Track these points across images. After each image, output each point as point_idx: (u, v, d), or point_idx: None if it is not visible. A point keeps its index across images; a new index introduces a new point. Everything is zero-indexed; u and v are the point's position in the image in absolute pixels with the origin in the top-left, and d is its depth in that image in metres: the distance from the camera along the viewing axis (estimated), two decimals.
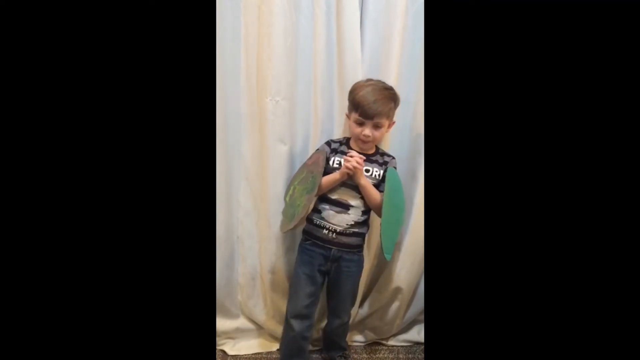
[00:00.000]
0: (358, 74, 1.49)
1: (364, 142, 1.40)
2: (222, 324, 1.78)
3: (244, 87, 1.54)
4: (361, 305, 1.80)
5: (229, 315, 1.80)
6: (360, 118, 1.36)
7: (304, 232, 1.51)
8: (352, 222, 1.42)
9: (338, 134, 1.57)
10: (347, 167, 1.34)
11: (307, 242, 1.48)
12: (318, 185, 1.38)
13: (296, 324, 1.47)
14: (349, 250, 1.45)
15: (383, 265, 1.78)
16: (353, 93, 1.38)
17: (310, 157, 1.46)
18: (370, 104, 1.33)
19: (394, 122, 1.46)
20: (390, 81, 1.52)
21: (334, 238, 1.43)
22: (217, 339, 1.77)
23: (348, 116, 1.44)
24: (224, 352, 1.76)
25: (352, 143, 1.46)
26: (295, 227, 1.47)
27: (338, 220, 1.42)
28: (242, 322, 1.81)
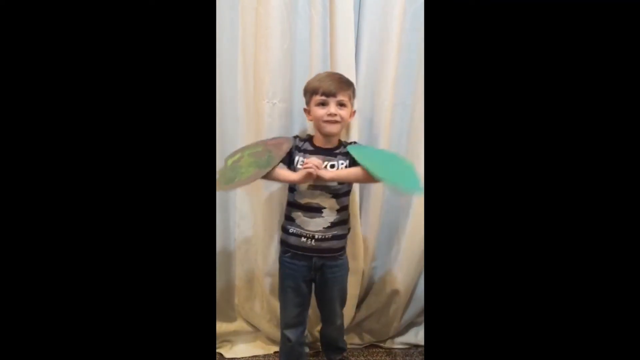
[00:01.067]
0: (352, 76, 1.49)
1: (331, 122, 1.32)
2: (219, 326, 1.78)
3: (241, 90, 1.54)
4: (358, 307, 1.80)
5: (226, 318, 1.80)
6: (323, 97, 1.31)
7: (282, 242, 1.46)
8: (329, 224, 1.37)
9: None
10: (307, 170, 1.26)
11: (287, 255, 1.42)
12: (273, 167, 1.29)
13: (291, 334, 1.47)
14: (330, 255, 1.41)
15: (380, 268, 1.79)
16: (309, 84, 1.37)
17: (274, 138, 1.40)
18: (330, 82, 1.31)
19: (354, 112, 1.42)
20: (388, 83, 1.53)
21: (313, 245, 1.38)
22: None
23: (307, 110, 1.39)
24: (221, 355, 1.76)
25: (315, 140, 1.41)
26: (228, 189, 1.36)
27: (313, 225, 1.37)
28: (239, 325, 1.81)
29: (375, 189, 1.64)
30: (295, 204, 1.39)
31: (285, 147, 1.35)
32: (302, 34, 1.50)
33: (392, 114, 1.59)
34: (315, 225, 1.37)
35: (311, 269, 1.41)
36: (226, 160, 1.36)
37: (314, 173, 1.26)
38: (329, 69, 1.50)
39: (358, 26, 1.51)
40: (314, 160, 1.28)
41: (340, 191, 1.38)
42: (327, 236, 1.38)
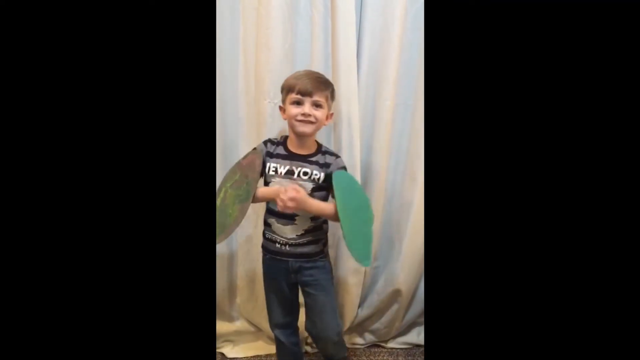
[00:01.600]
0: (353, 76, 1.49)
1: (304, 122, 1.26)
2: (221, 326, 1.78)
3: (242, 90, 1.54)
4: (360, 307, 1.80)
5: (228, 317, 1.81)
6: (298, 96, 1.25)
7: (262, 246, 1.44)
8: (302, 232, 1.34)
9: (334, 137, 1.57)
10: (284, 207, 1.21)
11: (267, 257, 1.42)
12: (253, 194, 1.28)
13: (280, 334, 1.47)
14: (307, 259, 1.37)
15: (382, 267, 1.78)
16: (286, 81, 1.30)
17: (246, 157, 1.33)
18: (307, 80, 1.26)
19: (332, 114, 1.36)
20: (389, 83, 1.53)
21: (288, 250, 1.35)
22: (216, 341, 1.77)
23: (282, 108, 1.33)
24: (222, 354, 1.76)
25: (289, 143, 1.34)
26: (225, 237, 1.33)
27: (287, 232, 1.34)
28: (240, 324, 1.82)
29: (377, 188, 1.64)
30: (270, 210, 1.37)
31: (258, 163, 1.30)
32: (304, 33, 1.50)
33: (393, 114, 1.58)
34: (290, 232, 1.34)
35: (289, 271, 1.38)
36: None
37: (293, 207, 1.21)
38: (330, 69, 1.50)
39: (359, 26, 1.51)
40: (291, 192, 1.21)
41: (315, 198, 1.31)
42: (301, 242, 1.35)
